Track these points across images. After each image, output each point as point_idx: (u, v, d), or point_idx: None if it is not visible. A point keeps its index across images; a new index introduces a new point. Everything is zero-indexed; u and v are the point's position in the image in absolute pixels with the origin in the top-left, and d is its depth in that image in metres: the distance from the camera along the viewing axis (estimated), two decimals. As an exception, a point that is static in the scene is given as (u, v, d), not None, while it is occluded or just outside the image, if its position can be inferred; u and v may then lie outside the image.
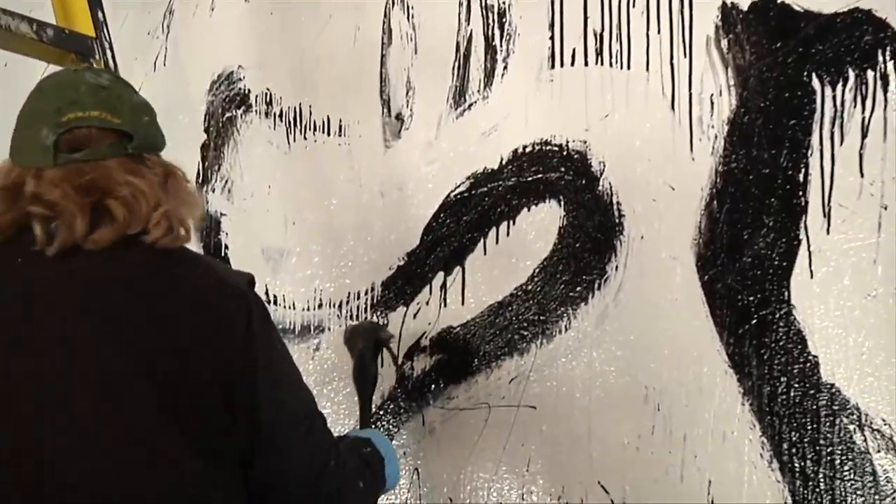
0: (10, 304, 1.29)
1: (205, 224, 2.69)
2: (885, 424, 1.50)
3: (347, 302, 2.31)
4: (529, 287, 1.94)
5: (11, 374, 1.24)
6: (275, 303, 2.47)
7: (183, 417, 1.26)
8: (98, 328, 1.26)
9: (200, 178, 2.71)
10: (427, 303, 2.14)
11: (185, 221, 1.42)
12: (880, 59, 1.54)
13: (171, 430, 1.25)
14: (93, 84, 1.42)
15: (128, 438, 1.24)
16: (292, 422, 1.39)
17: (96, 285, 1.30)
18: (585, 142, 1.87)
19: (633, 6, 1.82)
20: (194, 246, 2.54)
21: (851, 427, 1.52)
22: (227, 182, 2.65)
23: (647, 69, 1.80)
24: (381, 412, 2.18)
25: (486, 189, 2.03)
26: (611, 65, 1.85)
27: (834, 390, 1.54)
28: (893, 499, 1.50)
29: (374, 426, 2.13)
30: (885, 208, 1.52)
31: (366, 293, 2.28)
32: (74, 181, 1.33)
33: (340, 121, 2.37)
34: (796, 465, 1.56)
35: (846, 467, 1.53)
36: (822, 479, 1.54)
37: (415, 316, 2.16)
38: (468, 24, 2.10)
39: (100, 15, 2.50)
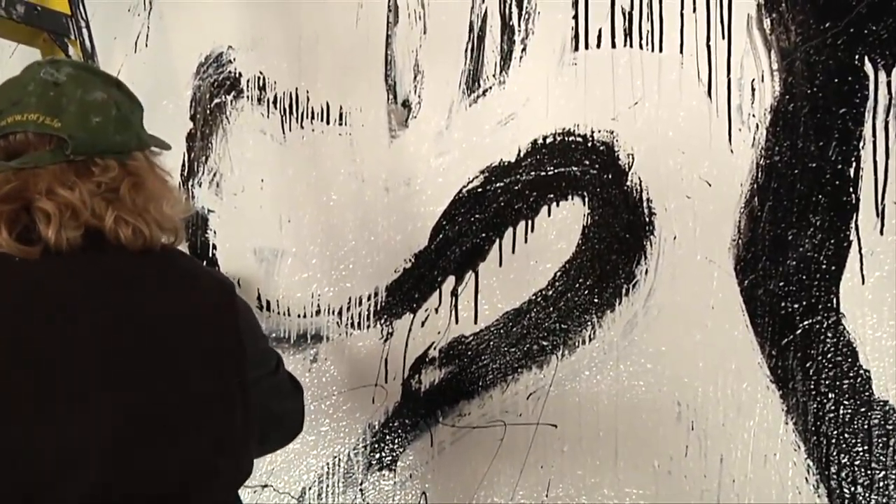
0: None
1: (190, 222, 2.70)
2: (945, 446, 1.51)
3: (348, 308, 2.32)
4: (550, 292, 1.95)
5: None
6: (268, 308, 2.48)
7: (183, 408, 1.37)
8: (88, 333, 1.32)
9: (186, 170, 2.72)
10: (436, 310, 2.14)
11: (156, 223, 1.48)
12: (940, 41, 1.55)
13: (173, 423, 1.35)
14: (43, 81, 1.47)
15: (131, 438, 1.31)
16: (276, 378, 1.66)
17: (82, 287, 1.36)
18: (612, 132, 1.88)
19: (666, -18, 1.83)
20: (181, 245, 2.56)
21: (907, 449, 1.53)
22: (215, 175, 2.66)
23: (682, 52, 1.80)
24: (386, 430, 2.19)
25: (502, 184, 2.03)
26: (641, 47, 1.86)
27: (888, 408, 1.54)
28: (953, 528, 1.50)
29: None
30: (945, 207, 1.53)
31: (368, 298, 2.29)
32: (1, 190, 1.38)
33: (341, 108, 2.38)
34: (846, 490, 1.56)
35: (901, 493, 1.53)
36: (873, 507, 1.54)
37: (423, 324, 2.17)
38: (483, 1, 2.11)
39: (76, -10, 2.52)
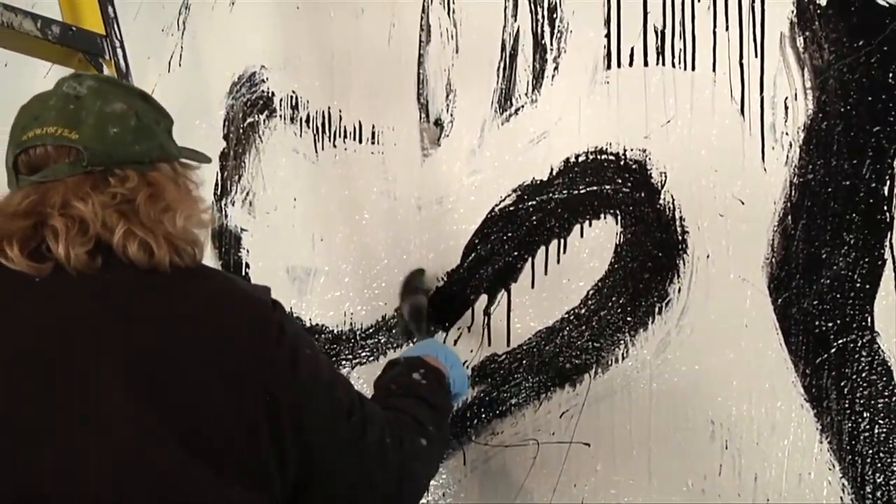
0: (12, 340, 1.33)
1: (223, 241, 2.73)
2: (981, 466, 1.50)
3: (381, 327, 2.34)
4: (582, 311, 1.96)
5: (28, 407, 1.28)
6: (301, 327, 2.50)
7: (208, 449, 1.30)
8: (117, 354, 1.30)
9: (219, 189, 2.75)
10: (469, 328, 2.16)
11: (170, 237, 1.44)
12: (974, 58, 1.55)
13: (195, 463, 1.28)
14: (65, 95, 1.48)
15: (149, 477, 1.26)
16: (337, 425, 1.47)
17: (101, 307, 1.35)
18: (645, 150, 1.89)
19: (699, 0, 1.84)
20: (212, 265, 2.59)
21: (943, 469, 1.53)
22: (248, 194, 2.69)
23: (714, 70, 1.81)
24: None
25: (534, 203, 2.04)
26: (673, 65, 1.87)
27: (923, 427, 1.55)
28: None
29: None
30: (981, 225, 1.53)
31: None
32: (18, 205, 1.39)
33: (373, 127, 2.40)
34: (881, 510, 1.56)
35: (937, 513, 1.53)
36: (909, 527, 1.54)
37: (455, 342, 2.18)
38: (515, 19, 2.12)
39: (110, 10, 2.54)
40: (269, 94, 2.67)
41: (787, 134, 1.70)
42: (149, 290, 1.38)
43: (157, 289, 1.39)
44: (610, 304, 1.91)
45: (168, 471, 1.27)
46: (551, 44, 2.06)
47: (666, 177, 1.85)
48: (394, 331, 2.29)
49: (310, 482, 1.44)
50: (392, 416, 1.60)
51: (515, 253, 2.07)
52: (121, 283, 1.38)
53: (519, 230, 2.06)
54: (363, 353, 2.37)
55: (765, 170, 1.72)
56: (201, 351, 1.34)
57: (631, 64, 1.93)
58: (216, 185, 2.76)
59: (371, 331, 2.36)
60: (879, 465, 1.56)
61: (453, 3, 2.25)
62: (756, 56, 1.76)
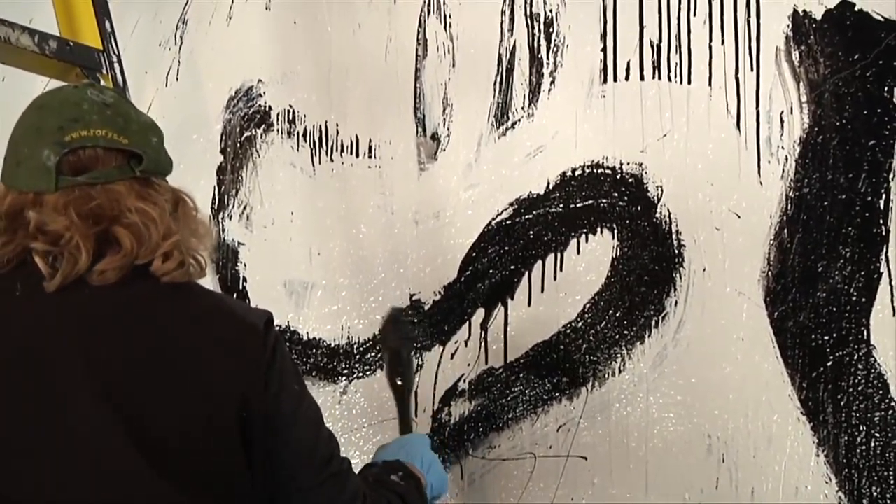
0: (7, 344, 1.32)
1: (221, 255, 2.73)
2: (978, 479, 1.51)
3: (378, 340, 2.34)
4: (579, 325, 1.96)
5: (8, 418, 1.27)
6: (298, 341, 2.50)
7: (185, 463, 1.30)
8: (99, 369, 1.29)
9: (216, 203, 2.75)
10: (466, 342, 2.16)
11: (197, 254, 1.45)
12: (969, 72, 1.56)
13: (165, 483, 1.28)
14: (97, 101, 1.44)
15: (118, 495, 1.26)
16: (313, 465, 1.43)
17: (100, 322, 1.33)
18: (641, 164, 1.90)
19: (695, 15, 1.85)
20: (209, 277, 2.59)
21: (939, 482, 1.53)
22: (245, 208, 2.69)
23: (710, 84, 1.82)
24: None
25: (531, 216, 2.05)
26: (669, 79, 1.88)
27: (919, 440, 1.55)
28: None
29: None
30: (976, 238, 1.53)
31: (398, 331, 2.30)
32: (80, 207, 1.34)
33: (370, 141, 2.41)
34: (878, 523, 1.57)
35: (934, 527, 1.53)
36: (906, 540, 1.55)
37: (452, 356, 2.18)
38: (511, 34, 2.13)
39: (107, 25, 2.54)
40: (267, 109, 2.67)
41: (782, 147, 1.71)
42: (138, 306, 1.37)
43: (145, 304, 1.37)
44: (607, 317, 1.92)
45: (137, 489, 1.27)
46: (548, 58, 2.06)
47: (662, 190, 1.86)
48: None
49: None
50: (369, 490, 1.55)
51: (512, 267, 2.07)
52: (146, 296, 1.36)
53: (516, 244, 2.07)
54: (360, 367, 2.37)
55: (761, 183, 1.73)
56: (182, 371, 1.33)
57: (627, 78, 1.94)
58: (213, 198, 2.76)
59: (368, 344, 2.36)
60: (875, 478, 1.56)
61: (450, 17, 2.26)
62: (752, 70, 1.77)
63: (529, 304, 2.05)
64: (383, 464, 1.72)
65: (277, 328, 1.46)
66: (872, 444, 1.57)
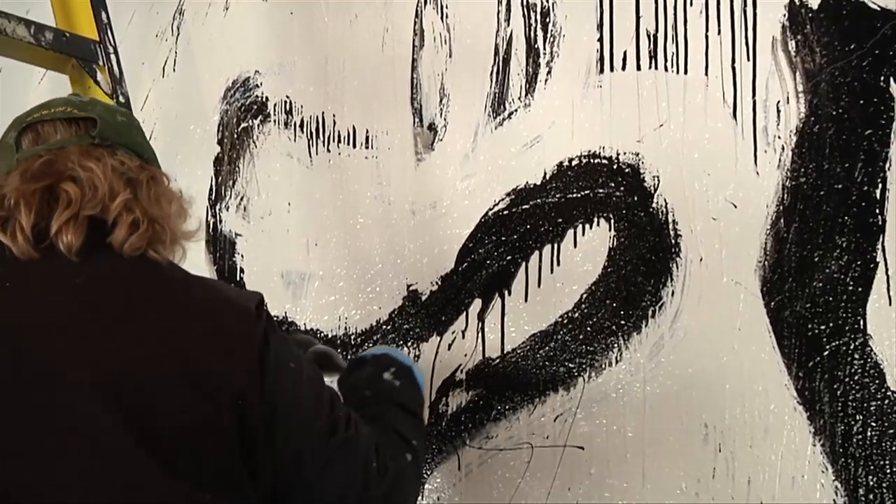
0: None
1: (218, 246, 2.73)
2: (974, 468, 1.51)
3: (375, 331, 2.34)
4: (576, 315, 1.96)
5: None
6: (295, 332, 2.50)
7: (178, 460, 1.29)
8: (94, 359, 1.29)
9: (213, 194, 2.75)
10: (463, 332, 2.16)
11: (158, 223, 1.44)
12: (965, 62, 1.56)
13: (164, 474, 1.27)
14: (68, 97, 1.50)
15: (118, 489, 1.25)
16: (318, 444, 1.44)
17: (92, 308, 1.34)
18: (638, 154, 1.89)
19: (691, 4, 1.85)
20: (207, 269, 2.59)
21: (935, 471, 1.53)
22: (242, 199, 2.69)
23: (707, 74, 1.82)
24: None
25: (527, 206, 2.05)
26: (666, 69, 1.88)
27: (916, 430, 1.55)
28: (983, 551, 1.50)
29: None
30: (972, 227, 1.53)
31: (395, 322, 2.30)
32: (27, 169, 1.39)
33: (367, 131, 2.41)
34: (874, 512, 1.57)
35: (930, 516, 1.53)
36: (902, 529, 1.55)
37: (449, 347, 2.18)
38: (508, 24, 2.13)
39: (103, 16, 2.54)
40: (264, 99, 2.67)
41: (779, 137, 1.71)
42: (137, 293, 1.38)
43: (139, 291, 1.38)
44: (603, 307, 1.92)
45: (137, 483, 1.26)
46: (544, 48, 2.06)
47: (659, 180, 1.86)
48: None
49: (290, 493, 1.43)
50: (378, 435, 1.55)
51: (509, 257, 2.07)
52: (105, 279, 1.37)
53: (512, 234, 2.07)
54: (358, 358, 2.38)
55: (757, 173, 1.73)
56: (177, 360, 1.33)
57: (624, 68, 1.94)
58: (210, 189, 2.76)
59: (365, 335, 2.36)
60: (872, 467, 1.56)
61: (446, 7, 2.26)
62: (748, 60, 1.76)
63: (526, 294, 2.04)
64: (373, 359, 1.77)
65: (276, 319, 1.47)
66: (869, 434, 1.57)
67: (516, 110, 2.10)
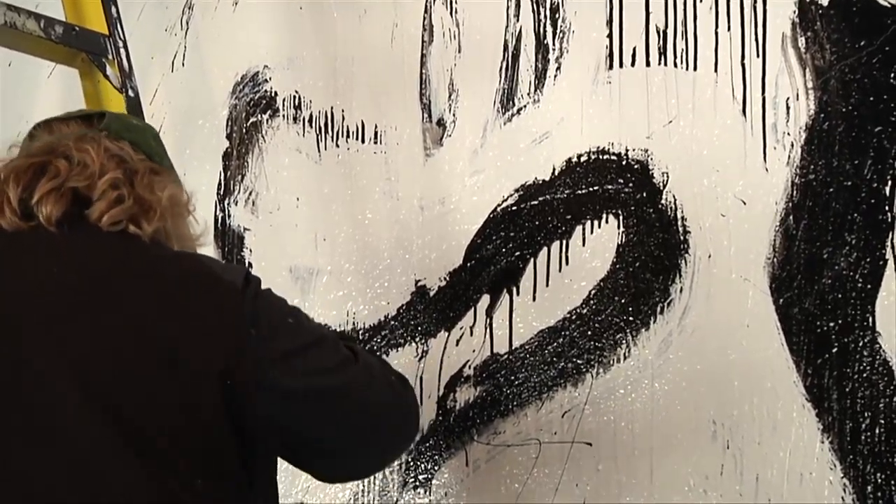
0: None
1: (226, 241, 2.73)
2: (982, 466, 1.51)
3: (384, 326, 2.34)
4: (584, 311, 1.96)
5: None
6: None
7: (163, 449, 1.28)
8: (73, 346, 1.29)
9: (222, 189, 2.75)
10: (471, 328, 2.16)
11: (148, 202, 1.44)
12: (976, 59, 1.55)
13: (148, 464, 1.26)
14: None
15: (101, 483, 1.24)
16: (347, 373, 1.49)
17: (73, 290, 1.34)
18: (647, 150, 1.89)
19: (701, 1, 1.84)
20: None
21: (944, 469, 1.53)
22: (251, 194, 2.69)
23: (716, 70, 1.82)
24: (421, 449, 2.20)
25: (536, 202, 2.05)
26: (675, 65, 1.87)
27: (924, 427, 1.55)
28: None
29: None
30: (982, 225, 1.53)
31: (403, 317, 2.30)
32: (26, 151, 1.44)
33: (376, 127, 2.41)
34: (882, 510, 1.57)
35: (938, 513, 1.53)
36: (910, 527, 1.54)
37: (457, 342, 2.18)
38: (517, 20, 2.13)
39: (113, 10, 2.54)
40: (273, 94, 2.67)
41: (788, 134, 1.71)
42: (113, 268, 1.37)
43: (121, 267, 1.38)
44: (612, 304, 1.91)
45: (119, 474, 1.24)
46: (553, 44, 2.06)
47: (668, 177, 1.86)
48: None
49: (329, 439, 1.48)
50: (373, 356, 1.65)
51: (517, 253, 2.07)
52: (85, 255, 1.37)
53: (521, 230, 2.07)
54: (366, 353, 2.38)
55: (766, 170, 1.73)
56: (159, 340, 1.32)
57: (633, 64, 1.93)
58: (219, 184, 2.76)
59: (373, 330, 2.36)
60: (881, 464, 1.56)
61: (456, 3, 2.26)
62: (758, 56, 1.76)
63: (534, 290, 2.04)
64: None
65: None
66: (877, 431, 1.57)
67: (525, 106, 2.09)
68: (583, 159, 1.98)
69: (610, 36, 1.97)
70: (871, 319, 1.59)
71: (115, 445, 1.25)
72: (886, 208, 1.58)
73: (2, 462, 1.23)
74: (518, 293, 2.07)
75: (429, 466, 2.20)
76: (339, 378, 1.47)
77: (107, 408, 1.25)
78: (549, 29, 2.07)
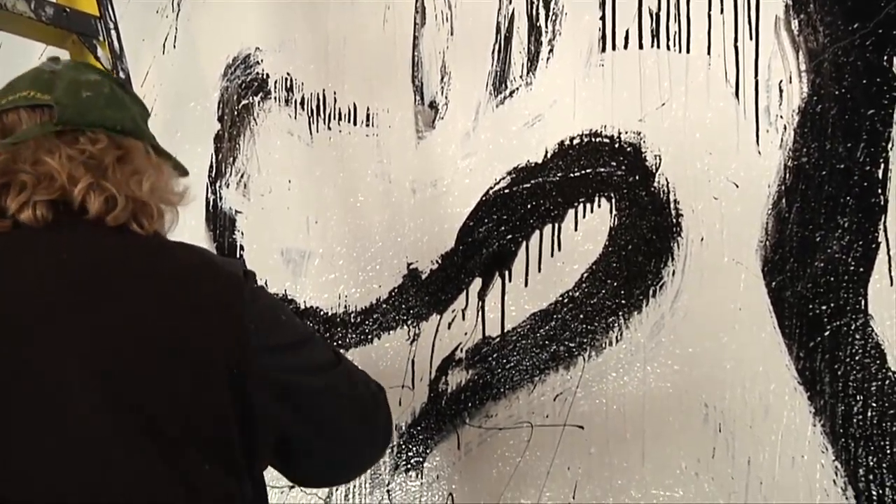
0: None
1: (218, 223, 2.72)
2: (973, 449, 1.51)
3: (375, 309, 2.34)
4: (576, 294, 1.96)
5: None
6: (295, 310, 2.50)
7: (173, 438, 1.29)
8: (82, 339, 1.28)
9: (213, 171, 2.75)
10: (463, 311, 2.16)
11: (138, 198, 1.44)
12: (969, 42, 1.55)
13: (159, 454, 1.27)
14: (39, 69, 1.49)
15: (115, 473, 1.24)
16: (331, 374, 1.52)
17: (77, 284, 1.33)
18: (639, 133, 1.89)
19: (694, -17, 1.84)
20: (206, 246, 2.59)
21: (935, 451, 1.53)
22: (242, 176, 2.68)
23: (709, 53, 1.81)
24: (413, 432, 2.20)
25: (528, 185, 2.04)
26: (668, 48, 1.87)
27: (916, 410, 1.55)
28: (982, 531, 1.50)
29: None
30: (975, 208, 1.53)
31: (395, 300, 2.30)
32: None
33: (368, 109, 2.40)
34: (873, 492, 1.57)
35: (929, 496, 1.53)
36: (901, 509, 1.55)
37: (449, 325, 2.18)
38: (510, 2, 2.12)
39: (104, -9, 2.53)
40: (264, 77, 2.66)
41: (781, 117, 1.70)
42: (113, 263, 1.37)
43: (121, 261, 1.38)
44: (604, 287, 1.91)
45: (134, 465, 1.25)
46: (546, 26, 2.05)
47: (660, 160, 1.85)
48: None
49: (306, 439, 1.49)
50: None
51: (510, 236, 2.07)
52: (83, 251, 1.37)
53: (513, 213, 2.06)
54: (357, 336, 2.37)
55: (759, 153, 1.72)
56: (165, 332, 1.32)
57: (626, 47, 1.93)
58: (210, 167, 2.76)
59: (365, 313, 2.36)
60: (872, 447, 1.57)
61: (448, -15, 2.25)
62: (751, 39, 1.76)
63: (527, 273, 2.04)
64: None
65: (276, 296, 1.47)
66: (869, 414, 1.57)
67: (518, 89, 2.09)
68: (575, 142, 1.98)
69: (603, 18, 1.96)
70: (863, 303, 1.59)
71: (129, 434, 1.25)
72: (879, 191, 1.58)
73: (2, 461, 1.22)
74: (510, 276, 2.07)
75: (420, 449, 2.20)
76: (322, 379, 1.51)
77: (118, 397, 1.26)
78: (542, 11, 2.06)
